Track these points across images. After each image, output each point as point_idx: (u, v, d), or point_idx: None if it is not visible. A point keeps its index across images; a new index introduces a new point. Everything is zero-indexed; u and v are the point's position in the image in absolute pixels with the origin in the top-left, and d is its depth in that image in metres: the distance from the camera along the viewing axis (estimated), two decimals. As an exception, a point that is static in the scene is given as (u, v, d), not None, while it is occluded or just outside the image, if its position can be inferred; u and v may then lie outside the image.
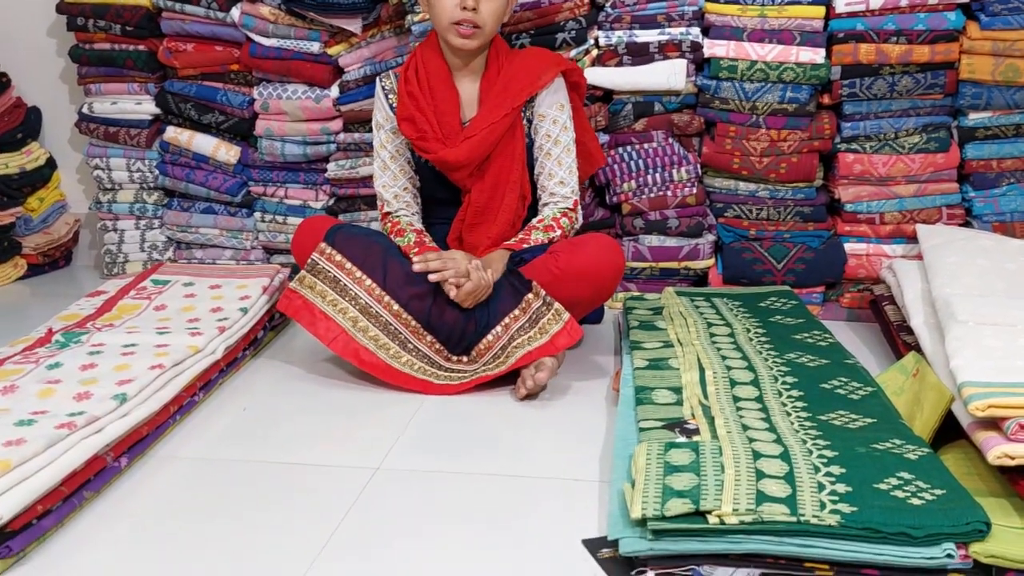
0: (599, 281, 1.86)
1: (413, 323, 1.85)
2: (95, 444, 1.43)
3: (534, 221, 1.93)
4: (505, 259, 1.86)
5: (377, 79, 2.02)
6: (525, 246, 1.87)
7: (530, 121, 1.95)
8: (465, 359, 1.86)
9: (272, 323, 2.14)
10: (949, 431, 1.45)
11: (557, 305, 1.77)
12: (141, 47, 2.47)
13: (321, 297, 1.85)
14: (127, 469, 1.51)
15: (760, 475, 1.26)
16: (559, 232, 1.90)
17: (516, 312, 1.79)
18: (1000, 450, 1.24)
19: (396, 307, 1.85)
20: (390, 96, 1.98)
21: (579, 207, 1.97)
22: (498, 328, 1.81)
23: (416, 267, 1.79)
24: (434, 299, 1.83)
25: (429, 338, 1.86)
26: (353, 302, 1.84)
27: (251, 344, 2.02)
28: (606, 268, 1.86)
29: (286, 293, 1.90)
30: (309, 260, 1.88)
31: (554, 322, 1.76)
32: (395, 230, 1.96)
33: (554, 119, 1.93)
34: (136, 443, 1.54)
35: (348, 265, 1.86)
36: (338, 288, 1.85)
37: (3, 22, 2.71)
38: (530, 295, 1.79)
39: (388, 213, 2.00)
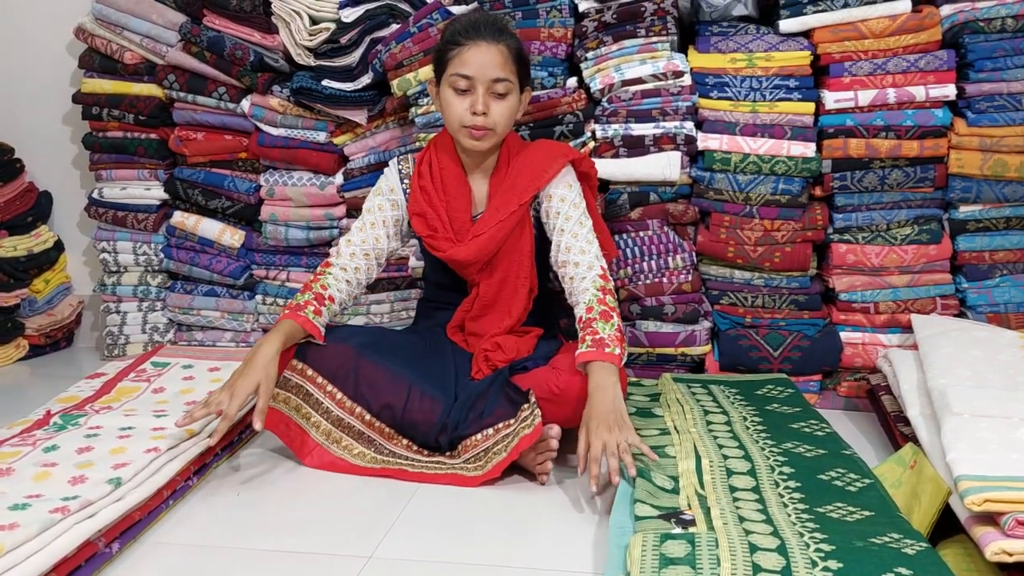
0: None
1: (387, 429, 1.87)
2: (88, 529, 1.42)
3: (583, 314, 1.81)
4: (612, 375, 1.73)
5: (395, 159, 2.05)
6: (607, 349, 1.75)
7: (538, 211, 1.97)
8: (449, 453, 1.84)
9: (270, 406, 2.14)
10: (949, 525, 1.44)
11: (537, 411, 1.74)
12: (153, 135, 2.55)
13: (296, 411, 1.88)
14: (118, 555, 1.50)
15: (757, 569, 1.25)
16: (615, 316, 1.80)
17: (511, 421, 1.78)
18: (998, 546, 1.23)
19: (368, 416, 1.87)
20: (404, 180, 2.02)
21: (608, 273, 1.88)
22: (490, 430, 1.79)
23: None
24: (404, 407, 1.84)
25: (405, 441, 1.87)
26: (325, 415, 1.87)
27: (247, 427, 2.02)
28: None
29: None
30: (282, 377, 1.89)
31: (527, 427, 1.72)
32: (312, 281, 1.92)
33: (562, 197, 1.92)
34: (128, 528, 1.53)
35: (319, 379, 1.88)
36: (310, 402, 1.88)
37: (19, 110, 2.80)
38: (526, 406, 1.77)
39: (329, 264, 1.97)
